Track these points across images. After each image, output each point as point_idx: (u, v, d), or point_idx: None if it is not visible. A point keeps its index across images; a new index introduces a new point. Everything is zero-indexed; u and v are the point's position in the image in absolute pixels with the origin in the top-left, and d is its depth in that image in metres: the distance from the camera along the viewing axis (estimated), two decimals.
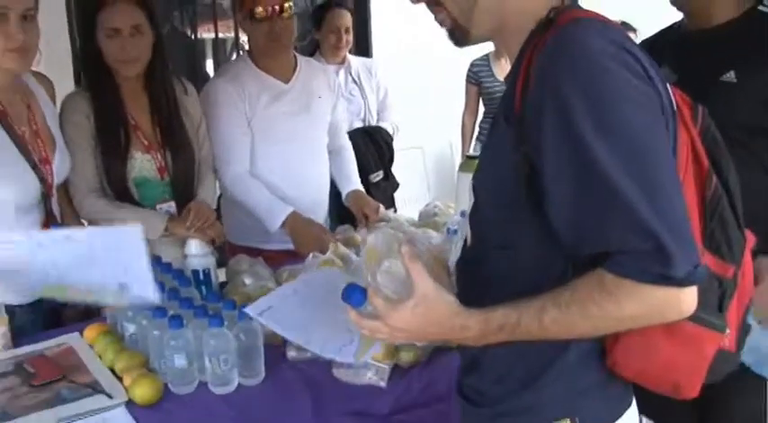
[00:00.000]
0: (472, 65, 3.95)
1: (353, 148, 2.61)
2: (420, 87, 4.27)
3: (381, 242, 1.16)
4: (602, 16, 0.97)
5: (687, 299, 0.89)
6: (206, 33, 4.46)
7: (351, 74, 3.24)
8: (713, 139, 1.06)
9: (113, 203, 1.88)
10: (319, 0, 3.91)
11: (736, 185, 1.04)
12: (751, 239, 1.07)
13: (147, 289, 1.20)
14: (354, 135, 2.90)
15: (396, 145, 3.50)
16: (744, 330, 1.07)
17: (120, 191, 1.90)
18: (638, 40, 1.86)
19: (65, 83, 2.25)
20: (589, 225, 0.89)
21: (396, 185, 3.29)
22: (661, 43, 1.77)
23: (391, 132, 3.29)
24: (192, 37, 4.34)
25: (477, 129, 4.09)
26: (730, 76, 1.59)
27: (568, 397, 1.04)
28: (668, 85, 1.01)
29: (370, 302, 1.01)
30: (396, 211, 3.15)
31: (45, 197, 1.73)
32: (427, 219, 2.33)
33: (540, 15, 0.98)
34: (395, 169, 3.42)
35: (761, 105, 1.57)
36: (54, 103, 1.90)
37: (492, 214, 1.04)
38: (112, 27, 1.82)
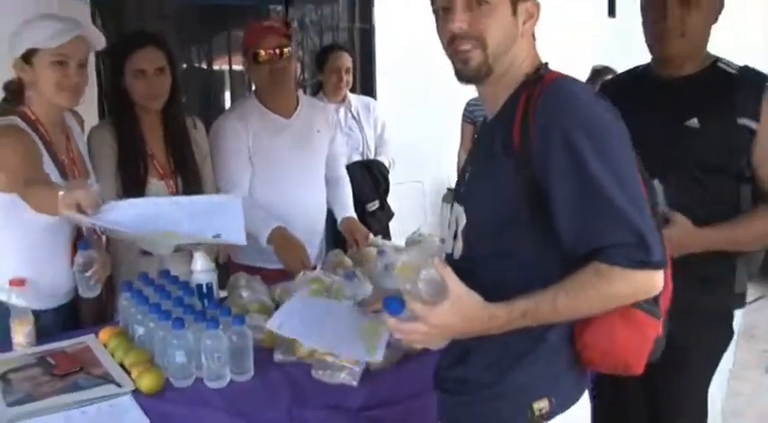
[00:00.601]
0: (468, 105, 4.20)
1: (352, 179, 2.86)
2: (420, 125, 4.54)
3: (415, 257, 1.35)
4: (575, 78, 1.26)
5: (659, 279, 1.17)
6: (222, 65, 4.75)
7: (350, 111, 3.51)
8: (643, 172, 1.28)
9: None
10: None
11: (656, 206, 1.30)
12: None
13: (238, 237, 1.62)
14: (353, 167, 3.15)
15: (397, 178, 3.76)
16: (665, 320, 1.30)
17: (135, 188, 2.13)
18: None
19: (90, 116, 2.53)
20: (591, 227, 1.14)
21: (390, 215, 3.52)
22: (630, 85, 1.98)
23: (387, 165, 3.54)
24: (208, 70, 4.63)
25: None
26: (693, 122, 1.79)
27: (545, 380, 1.27)
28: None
29: (409, 308, 1.20)
30: (390, 238, 3.38)
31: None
32: (412, 245, 2.55)
33: (528, 72, 1.26)
34: (396, 201, 3.66)
35: (718, 149, 1.77)
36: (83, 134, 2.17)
37: (490, 230, 1.26)
38: (140, 69, 2.10)
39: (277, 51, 2.37)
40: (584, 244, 1.15)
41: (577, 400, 1.32)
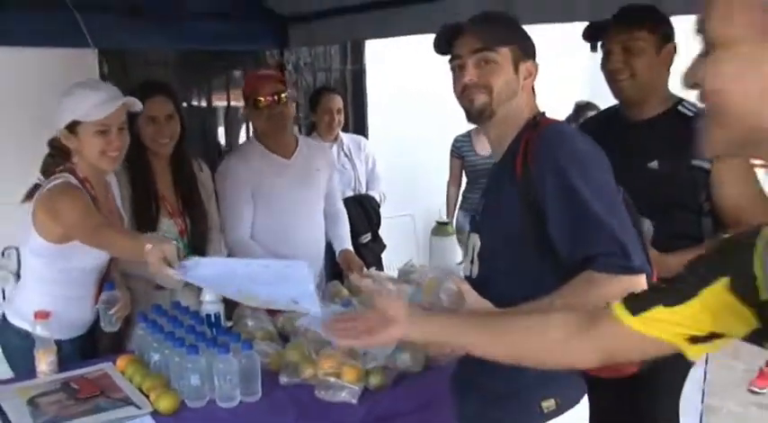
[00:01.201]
0: (455, 141, 4.41)
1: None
2: (410, 162, 4.74)
3: (436, 275, 1.65)
4: (564, 122, 1.56)
5: (642, 283, 1.35)
6: (221, 103, 4.93)
7: (343, 149, 3.71)
8: (626, 199, 1.54)
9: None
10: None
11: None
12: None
13: (313, 305, 1.61)
14: (346, 202, 3.32)
15: (388, 213, 3.95)
16: None
17: (147, 226, 2.29)
18: None
19: None
20: (581, 239, 1.37)
21: (383, 247, 3.70)
22: (604, 125, 2.15)
23: (379, 200, 3.73)
24: (207, 108, 4.82)
25: (460, 197, 4.53)
26: (654, 164, 1.97)
27: (551, 382, 1.48)
28: None
29: None
30: (383, 269, 3.55)
31: (110, 261, 2.16)
32: (405, 275, 2.72)
33: (527, 118, 1.53)
34: (387, 234, 3.84)
35: (679, 188, 1.95)
36: None
37: (501, 251, 1.51)
38: (152, 115, 2.29)
39: (275, 97, 2.57)
40: (577, 253, 1.37)
41: (579, 401, 1.53)
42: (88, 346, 2.20)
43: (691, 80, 0.83)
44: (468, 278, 1.56)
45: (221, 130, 5.11)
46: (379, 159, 4.02)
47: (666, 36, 1.99)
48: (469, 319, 1.26)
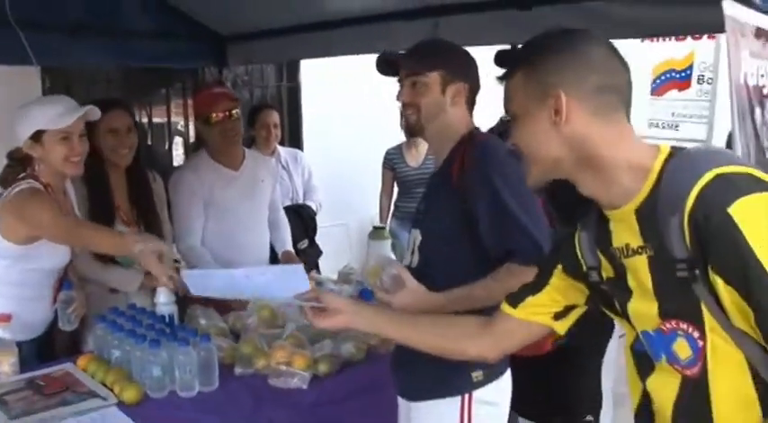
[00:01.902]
0: (387, 153, 4.65)
1: None
2: (344, 173, 4.97)
3: (377, 262, 1.89)
4: (493, 136, 1.82)
5: None
6: (162, 119, 5.02)
7: (280, 162, 3.90)
8: (547, 205, 1.86)
9: (103, 264, 2.43)
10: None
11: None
12: None
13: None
14: (284, 212, 3.51)
15: (325, 221, 4.16)
16: None
17: (105, 255, 2.44)
18: None
19: None
20: (503, 237, 1.64)
21: (319, 253, 3.91)
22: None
23: (315, 209, 3.94)
24: (149, 124, 4.91)
25: (392, 206, 4.78)
26: None
27: None
28: None
29: (376, 297, 1.70)
30: (320, 273, 3.76)
31: (67, 266, 2.29)
32: (344, 277, 2.94)
33: (462, 133, 1.78)
34: (324, 241, 4.04)
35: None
36: None
37: (439, 245, 1.75)
38: (113, 128, 2.43)
39: (227, 114, 2.75)
40: (500, 249, 1.64)
41: (503, 373, 1.79)
42: (46, 347, 2.30)
43: (511, 145, 1.24)
44: (409, 267, 1.79)
45: (163, 145, 5.20)
46: (315, 171, 4.23)
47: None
48: (402, 317, 1.56)
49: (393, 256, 3.08)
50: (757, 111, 1.90)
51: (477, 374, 1.72)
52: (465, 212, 1.68)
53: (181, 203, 2.77)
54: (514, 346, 1.42)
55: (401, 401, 1.86)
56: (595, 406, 2.41)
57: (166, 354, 1.99)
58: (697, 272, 1.00)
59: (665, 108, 6.62)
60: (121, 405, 1.92)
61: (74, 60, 3.41)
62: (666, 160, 1.09)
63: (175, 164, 4.77)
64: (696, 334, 1.05)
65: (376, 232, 3.42)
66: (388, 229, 4.34)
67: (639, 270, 1.12)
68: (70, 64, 3.72)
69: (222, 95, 2.83)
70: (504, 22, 2.83)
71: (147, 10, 3.41)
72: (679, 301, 1.05)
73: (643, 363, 1.17)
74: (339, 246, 4.85)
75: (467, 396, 1.72)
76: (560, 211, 2.24)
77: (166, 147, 5.04)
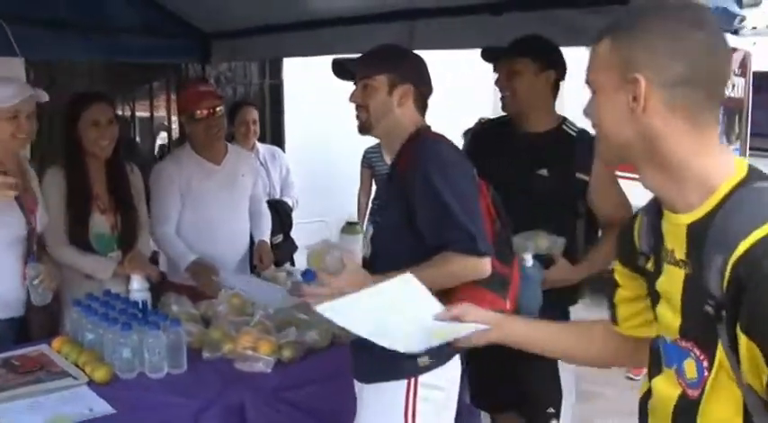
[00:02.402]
0: (366, 152, 4.75)
1: None
2: (325, 170, 5.07)
3: (320, 248, 1.85)
4: (443, 135, 1.89)
5: (485, 265, 1.75)
6: (144, 113, 5.13)
7: (258, 158, 3.99)
8: (496, 203, 1.93)
9: (79, 250, 2.52)
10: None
11: (508, 226, 1.93)
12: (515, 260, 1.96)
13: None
14: None
15: (304, 217, 4.25)
16: (518, 305, 1.93)
17: (81, 242, 2.54)
18: None
19: None
20: (440, 229, 1.73)
21: (294, 247, 4.00)
22: (496, 134, 2.51)
23: (291, 205, 4.04)
24: (131, 118, 5.01)
25: (371, 204, 4.88)
26: (544, 171, 2.33)
27: None
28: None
29: (319, 278, 1.76)
30: (295, 265, 3.86)
31: (29, 237, 2.38)
32: None
33: (410, 131, 1.87)
34: (304, 237, 4.13)
35: (562, 193, 2.31)
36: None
37: (386, 236, 1.87)
38: (95, 119, 2.52)
39: (212, 111, 2.88)
40: (436, 239, 1.75)
41: (451, 358, 1.88)
42: (21, 329, 2.38)
43: (585, 112, 1.13)
44: (363, 258, 1.90)
45: (141, 139, 5.29)
46: (296, 168, 4.32)
47: (548, 63, 2.34)
48: (539, 325, 1.46)
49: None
50: None
51: (423, 360, 1.79)
52: (406, 206, 1.79)
53: (159, 192, 2.89)
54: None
55: (356, 383, 1.95)
56: (556, 398, 2.47)
57: (137, 336, 2.08)
58: (724, 314, 0.95)
59: None
60: (92, 385, 2.00)
61: (58, 54, 3.51)
62: (737, 186, 1.00)
63: (158, 156, 4.85)
64: (705, 363, 1.01)
65: (349, 227, 3.54)
66: (364, 226, 4.45)
67: (674, 281, 1.07)
68: (54, 57, 3.79)
69: (207, 93, 2.94)
70: (477, 27, 2.94)
71: (132, 6, 3.50)
72: (699, 330, 1.02)
73: (655, 361, 1.15)
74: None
75: (413, 380, 1.82)
76: (597, 219, 2.33)
77: (150, 140, 5.12)
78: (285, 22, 3.51)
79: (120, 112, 4.85)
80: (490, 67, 2.54)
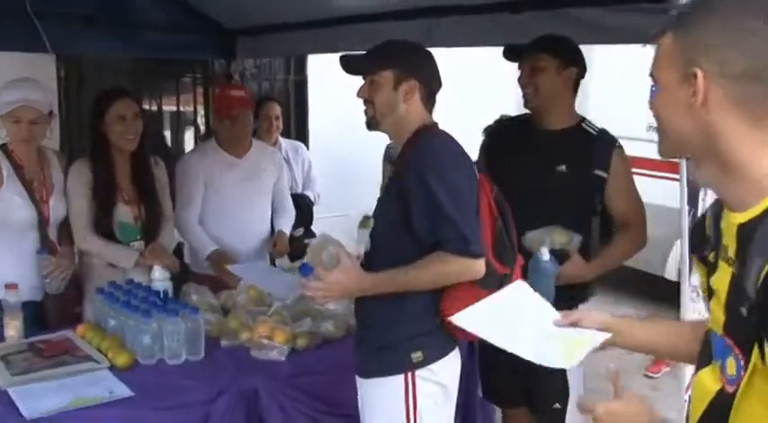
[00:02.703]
0: (387, 147, 4.75)
1: None
2: (348, 166, 5.12)
3: (318, 243, 2.01)
4: (449, 134, 1.90)
5: (478, 266, 1.75)
6: (171, 107, 5.22)
7: (281, 153, 4.06)
8: (501, 201, 1.93)
9: (103, 240, 2.61)
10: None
11: (512, 225, 1.92)
12: (520, 259, 1.94)
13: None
14: None
15: (328, 212, 4.32)
16: None
17: (106, 231, 2.63)
18: None
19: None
20: (435, 229, 1.74)
21: None
22: (516, 131, 2.53)
23: (313, 199, 4.10)
24: (158, 112, 5.11)
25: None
26: (562, 168, 2.34)
27: (418, 337, 1.84)
28: (476, 170, 1.90)
29: (315, 272, 1.83)
30: None
31: (41, 225, 2.51)
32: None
33: (416, 127, 1.88)
34: (327, 231, 4.19)
35: (579, 189, 2.34)
36: (65, 171, 2.67)
37: (385, 232, 1.88)
38: (121, 114, 2.60)
39: (240, 115, 3.01)
40: (430, 239, 1.76)
41: (447, 354, 1.88)
42: (38, 314, 2.49)
43: (649, 106, 1.11)
44: (365, 253, 1.95)
45: (172, 133, 5.40)
46: (319, 163, 4.38)
47: (570, 60, 2.36)
48: (652, 327, 1.42)
49: None
50: None
51: (416, 355, 1.82)
52: (405, 205, 1.80)
53: (184, 181, 3.02)
54: None
55: (357, 378, 1.96)
56: (563, 394, 2.45)
57: (156, 324, 2.15)
58: (755, 316, 0.95)
59: None
60: (113, 369, 2.09)
61: (87, 50, 3.60)
62: None
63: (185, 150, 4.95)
64: (742, 362, 1.00)
65: (366, 221, 3.59)
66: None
67: (724, 278, 1.05)
68: (83, 53, 3.90)
69: (237, 100, 3.05)
70: (496, 24, 2.96)
71: (158, 3, 3.58)
72: (738, 329, 1.01)
73: (705, 353, 1.13)
74: (339, 235, 4.99)
75: (409, 375, 1.82)
76: (613, 219, 2.36)
77: (177, 134, 5.23)
78: (307, 19, 3.56)
79: (147, 107, 4.95)
80: (515, 64, 2.55)
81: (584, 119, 2.43)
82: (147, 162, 2.76)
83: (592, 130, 2.39)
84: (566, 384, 2.45)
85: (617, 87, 5.28)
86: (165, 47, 3.73)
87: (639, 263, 4.51)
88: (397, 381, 1.83)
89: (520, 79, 2.43)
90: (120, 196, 2.67)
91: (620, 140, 2.41)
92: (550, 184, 2.33)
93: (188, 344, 2.18)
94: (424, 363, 1.83)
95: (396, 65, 1.88)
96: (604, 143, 2.37)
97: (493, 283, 1.79)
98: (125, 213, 2.68)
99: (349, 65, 1.98)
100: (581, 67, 2.40)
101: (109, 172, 2.64)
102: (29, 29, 2.97)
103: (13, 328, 2.28)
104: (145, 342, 2.14)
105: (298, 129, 5.22)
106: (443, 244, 1.74)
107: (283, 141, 4.15)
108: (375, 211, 1.96)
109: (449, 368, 1.91)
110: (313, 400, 2.13)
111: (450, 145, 1.87)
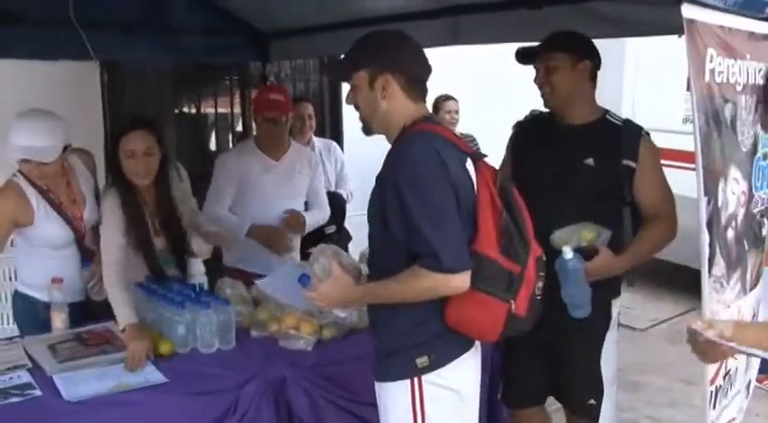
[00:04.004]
0: None
1: None
2: (379, 165, 5.18)
3: (318, 251, 2.00)
4: (436, 128, 1.83)
5: (455, 281, 1.67)
6: (209, 109, 5.37)
7: (314, 151, 4.15)
8: (507, 192, 1.82)
9: (120, 294, 2.35)
10: None
11: (522, 217, 1.82)
12: (537, 250, 1.81)
13: None
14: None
15: (360, 210, 4.40)
16: (533, 304, 1.78)
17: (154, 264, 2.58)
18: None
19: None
20: (409, 240, 1.67)
21: (348, 237, 4.15)
22: (541, 127, 2.50)
23: (346, 198, 4.18)
24: (197, 114, 5.27)
25: None
26: (590, 161, 2.34)
27: (425, 341, 1.77)
28: (476, 163, 1.82)
29: (311, 282, 1.88)
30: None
31: (78, 240, 2.53)
32: (364, 258, 3.17)
33: (401, 126, 1.81)
34: (360, 229, 4.27)
35: (609, 181, 2.32)
36: (95, 169, 2.67)
37: (375, 236, 1.85)
38: (130, 149, 2.40)
39: (279, 118, 3.12)
40: (408, 248, 1.71)
41: (456, 357, 1.80)
42: (82, 313, 2.55)
43: None
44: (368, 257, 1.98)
45: (210, 135, 5.57)
46: (353, 162, 4.45)
47: (582, 54, 2.35)
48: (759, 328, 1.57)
49: None
50: (728, 107, 2.01)
51: (422, 360, 1.76)
52: (383, 210, 1.74)
53: (218, 178, 3.13)
54: None
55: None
56: (598, 390, 2.44)
57: (190, 315, 2.28)
58: None
59: None
60: (149, 357, 2.21)
61: (128, 56, 3.74)
62: None
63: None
64: None
65: None
66: None
67: None
68: (125, 59, 4.05)
69: (276, 104, 3.14)
70: (520, 20, 2.99)
71: (195, 9, 3.70)
72: None
73: None
74: None
75: (416, 380, 1.76)
76: (641, 210, 2.31)
77: (217, 136, 5.38)
78: (336, 21, 3.64)
79: (186, 110, 5.12)
80: None
81: (607, 111, 2.43)
82: (169, 194, 2.60)
83: (617, 122, 2.38)
84: (600, 379, 2.43)
85: (651, 80, 5.26)
86: (200, 51, 3.84)
87: (680, 256, 4.46)
88: (404, 386, 1.78)
89: (536, 80, 2.43)
90: (152, 231, 2.58)
91: (655, 133, 2.40)
92: (578, 178, 2.32)
93: (220, 334, 2.30)
94: (430, 367, 1.77)
95: (365, 64, 1.79)
96: (631, 133, 2.35)
97: (498, 283, 1.72)
98: (159, 244, 2.61)
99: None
100: (595, 59, 2.38)
101: (136, 203, 2.50)
102: (73, 37, 3.09)
103: (60, 321, 2.43)
104: (179, 332, 2.26)
105: (332, 128, 5.32)
106: (418, 257, 1.68)
107: (316, 140, 4.25)
108: (367, 212, 1.86)
109: (461, 372, 1.83)
110: (338, 388, 2.22)
111: (429, 149, 1.71)
